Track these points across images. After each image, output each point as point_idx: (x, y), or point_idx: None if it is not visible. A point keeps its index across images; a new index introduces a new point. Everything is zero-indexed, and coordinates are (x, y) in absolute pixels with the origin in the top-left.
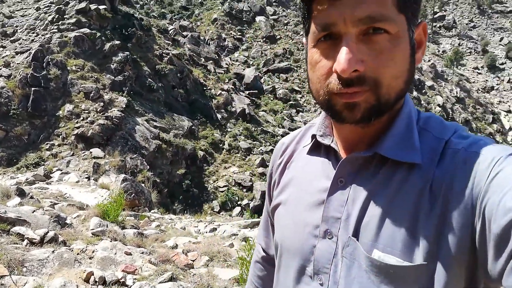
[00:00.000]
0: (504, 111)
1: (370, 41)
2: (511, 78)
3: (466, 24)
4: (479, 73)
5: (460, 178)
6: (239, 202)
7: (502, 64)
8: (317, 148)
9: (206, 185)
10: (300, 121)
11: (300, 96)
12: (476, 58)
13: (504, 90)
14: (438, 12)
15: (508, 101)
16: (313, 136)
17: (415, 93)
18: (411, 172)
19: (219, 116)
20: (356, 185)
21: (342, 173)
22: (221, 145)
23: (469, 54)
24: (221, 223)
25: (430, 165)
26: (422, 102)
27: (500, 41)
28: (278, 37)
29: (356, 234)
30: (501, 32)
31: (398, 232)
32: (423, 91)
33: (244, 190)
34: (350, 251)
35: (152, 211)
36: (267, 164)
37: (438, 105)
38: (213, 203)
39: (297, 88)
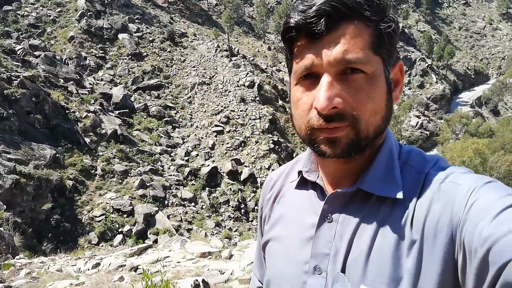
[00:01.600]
0: None
1: (348, 80)
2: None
3: None
4: None
5: (439, 210)
6: (120, 230)
7: None
8: (304, 183)
9: (79, 217)
10: (177, 137)
11: (175, 112)
12: None
13: None
14: None
15: None
16: (300, 172)
17: (282, 104)
18: (395, 207)
19: (87, 140)
20: (343, 220)
21: (328, 209)
22: (93, 171)
23: None
24: (103, 256)
25: (411, 199)
26: (287, 110)
27: None
28: (145, 54)
29: (344, 269)
30: None
31: (384, 267)
32: (287, 100)
33: (125, 215)
34: (339, 287)
35: (17, 257)
36: (147, 185)
37: None
38: (89, 235)
39: (170, 104)
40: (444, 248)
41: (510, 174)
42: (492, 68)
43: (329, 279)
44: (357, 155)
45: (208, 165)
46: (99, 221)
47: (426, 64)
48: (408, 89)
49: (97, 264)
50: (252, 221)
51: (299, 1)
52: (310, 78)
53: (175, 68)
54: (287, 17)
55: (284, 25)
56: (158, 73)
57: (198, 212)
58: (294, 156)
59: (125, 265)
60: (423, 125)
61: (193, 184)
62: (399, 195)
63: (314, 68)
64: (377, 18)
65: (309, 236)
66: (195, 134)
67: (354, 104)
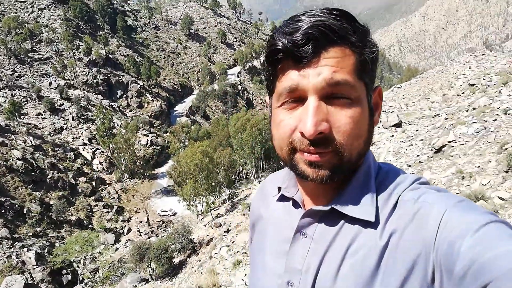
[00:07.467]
0: (80, 145)
1: (333, 104)
2: (74, 117)
3: (11, 74)
4: (44, 118)
5: (411, 230)
6: None
7: (61, 105)
8: (285, 196)
9: None
10: None
11: None
12: (35, 105)
13: (76, 127)
14: None
15: (80, 136)
16: (279, 188)
17: None
18: (367, 226)
19: None
20: (317, 236)
21: (303, 225)
22: None
23: (26, 102)
24: None
25: (384, 219)
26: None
27: (50, 85)
28: None
29: (314, 285)
30: (47, 77)
31: (353, 285)
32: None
33: None
34: None
35: None
36: None
37: (18, 158)
38: None
39: None
40: (415, 267)
41: (232, 165)
42: (193, 81)
43: None
44: (339, 178)
45: None
46: None
47: (139, 85)
48: (129, 111)
49: None
50: None
51: (284, 22)
52: (295, 99)
53: None
54: (272, 38)
55: (270, 47)
56: None
57: None
58: (25, 212)
59: None
60: (153, 142)
61: None
62: (371, 218)
63: (300, 91)
64: (362, 44)
65: (284, 250)
66: None
67: (339, 128)
